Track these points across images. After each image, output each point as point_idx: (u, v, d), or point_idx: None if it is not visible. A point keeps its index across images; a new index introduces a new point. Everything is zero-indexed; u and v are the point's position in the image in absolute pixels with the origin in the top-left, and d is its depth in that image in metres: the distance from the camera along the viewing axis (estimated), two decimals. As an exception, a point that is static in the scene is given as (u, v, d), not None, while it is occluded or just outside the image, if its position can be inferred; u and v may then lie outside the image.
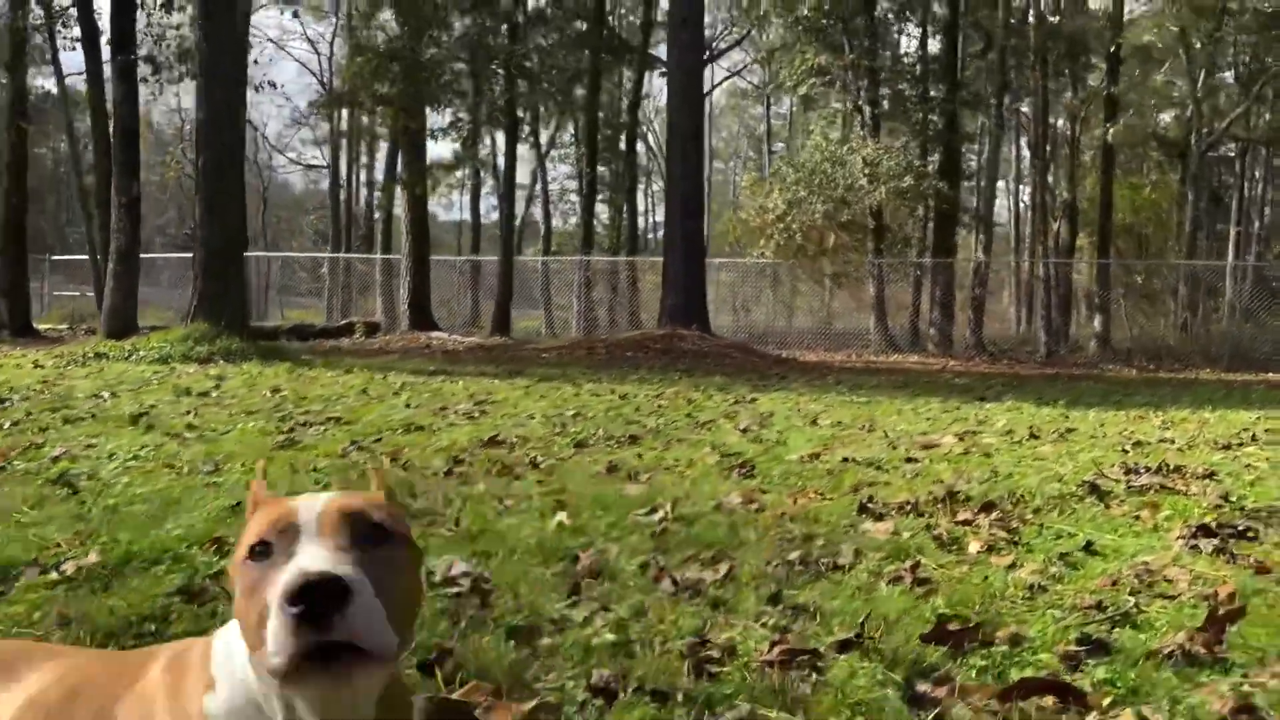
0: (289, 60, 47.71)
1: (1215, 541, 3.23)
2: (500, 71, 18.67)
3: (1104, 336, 22.21)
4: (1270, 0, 24.16)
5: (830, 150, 21.26)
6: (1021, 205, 34.21)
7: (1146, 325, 26.78)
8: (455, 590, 2.55)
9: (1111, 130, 21.16)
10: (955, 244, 26.08)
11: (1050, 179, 26.86)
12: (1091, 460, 5.14)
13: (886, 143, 21.42)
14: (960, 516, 3.64)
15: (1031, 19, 21.38)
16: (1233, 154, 33.78)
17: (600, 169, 33.00)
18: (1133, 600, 2.59)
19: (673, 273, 16.58)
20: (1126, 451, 5.56)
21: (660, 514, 3.45)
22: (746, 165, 42.31)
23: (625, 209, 28.52)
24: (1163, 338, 25.32)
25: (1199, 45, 25.35)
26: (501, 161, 23.88)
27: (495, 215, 25.96)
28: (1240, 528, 3.44)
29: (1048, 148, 26.55)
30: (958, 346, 22.14)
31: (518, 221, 32.61)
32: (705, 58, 31.71)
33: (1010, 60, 21.85)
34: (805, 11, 20.85)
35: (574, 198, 34.16)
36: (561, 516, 3.34)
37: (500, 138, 24.25)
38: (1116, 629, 2.41)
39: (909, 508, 3.79)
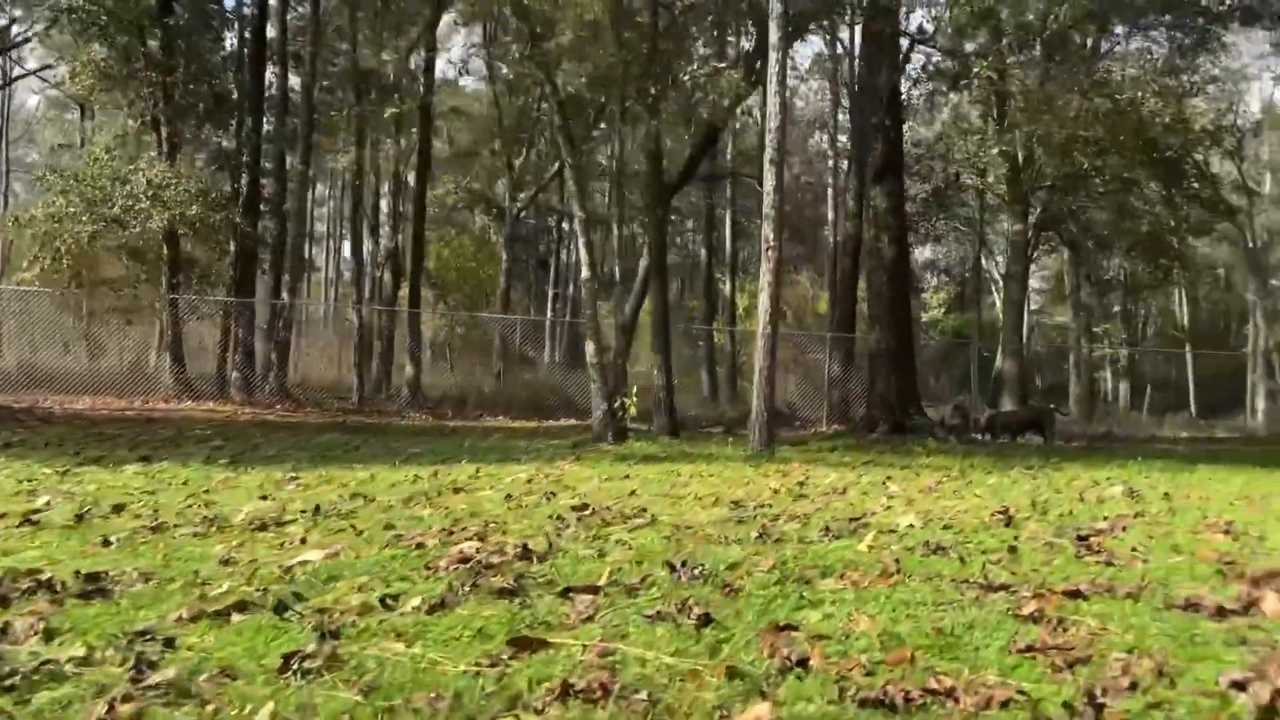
0: None
1: None
2: None
3: (415, 384, 21.85)
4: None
5: (111, 165, 17.98)
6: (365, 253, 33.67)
7: (467, 374, 27.41)
8: None
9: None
10: (279, 283, 24.09)
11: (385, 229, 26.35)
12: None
13: (183, 167, 18.76)
14: None
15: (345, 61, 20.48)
16: (551, 222, 36.96)
17: None
18: None
19: None
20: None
21: None
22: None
23: None
24: (479, 386, 26.00)
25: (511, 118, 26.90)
26: None
27: None
28: None
29: (378, 197, 26.05)
30: (265, 391, 20.13)
31: None
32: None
33: (325, 96, 20.70)
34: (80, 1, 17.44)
35: None
36: None
37: None
38: None
39: None
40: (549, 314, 35.29)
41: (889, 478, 7.91)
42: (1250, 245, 33.62)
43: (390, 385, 23.98)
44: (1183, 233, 22.46)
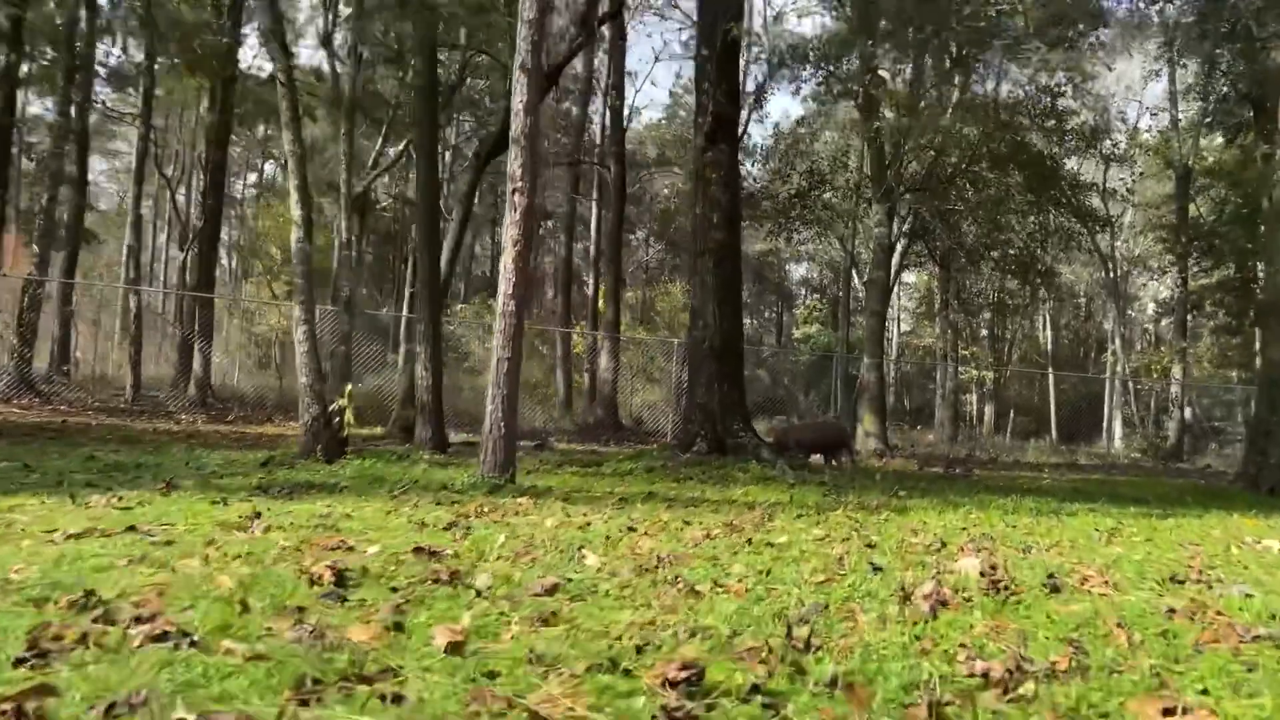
0: None
1: None
2: None
3: (203, 382, 18.03)
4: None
5: None
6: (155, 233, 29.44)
7: (296, 375, 23.53)
8: None
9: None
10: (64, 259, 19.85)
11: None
12: None
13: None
14: None
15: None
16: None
17: None
18: None
19: None
20: None
21: None
22: None
23: None
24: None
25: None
26: None
27: None
28: None
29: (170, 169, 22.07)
30: (1, 383, 16.11)
31: None
32: None
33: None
34: None
35: None
36: None
37: None
38: None
39: None
40: (405, 312, 31.50)
41: (631, 528, 4.80)
42: (1110, 275, 32.29)
43: (189, 379, 20.05)
44: (1051, 247, 20.32)
